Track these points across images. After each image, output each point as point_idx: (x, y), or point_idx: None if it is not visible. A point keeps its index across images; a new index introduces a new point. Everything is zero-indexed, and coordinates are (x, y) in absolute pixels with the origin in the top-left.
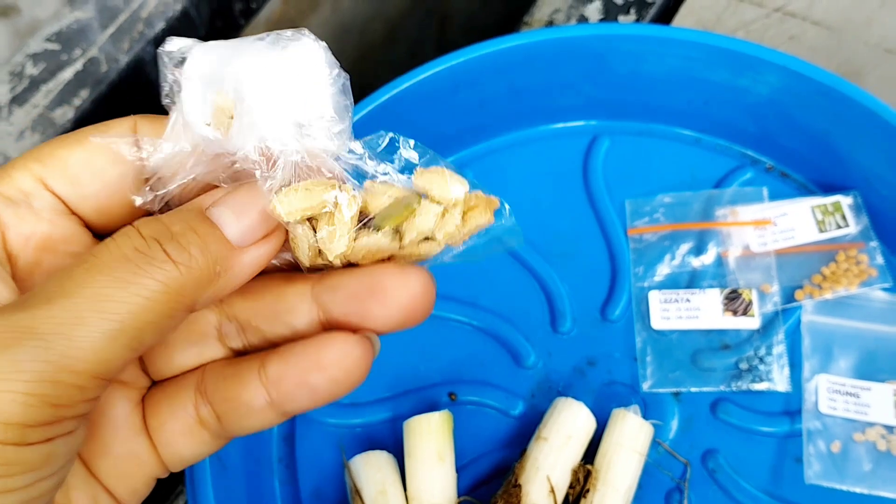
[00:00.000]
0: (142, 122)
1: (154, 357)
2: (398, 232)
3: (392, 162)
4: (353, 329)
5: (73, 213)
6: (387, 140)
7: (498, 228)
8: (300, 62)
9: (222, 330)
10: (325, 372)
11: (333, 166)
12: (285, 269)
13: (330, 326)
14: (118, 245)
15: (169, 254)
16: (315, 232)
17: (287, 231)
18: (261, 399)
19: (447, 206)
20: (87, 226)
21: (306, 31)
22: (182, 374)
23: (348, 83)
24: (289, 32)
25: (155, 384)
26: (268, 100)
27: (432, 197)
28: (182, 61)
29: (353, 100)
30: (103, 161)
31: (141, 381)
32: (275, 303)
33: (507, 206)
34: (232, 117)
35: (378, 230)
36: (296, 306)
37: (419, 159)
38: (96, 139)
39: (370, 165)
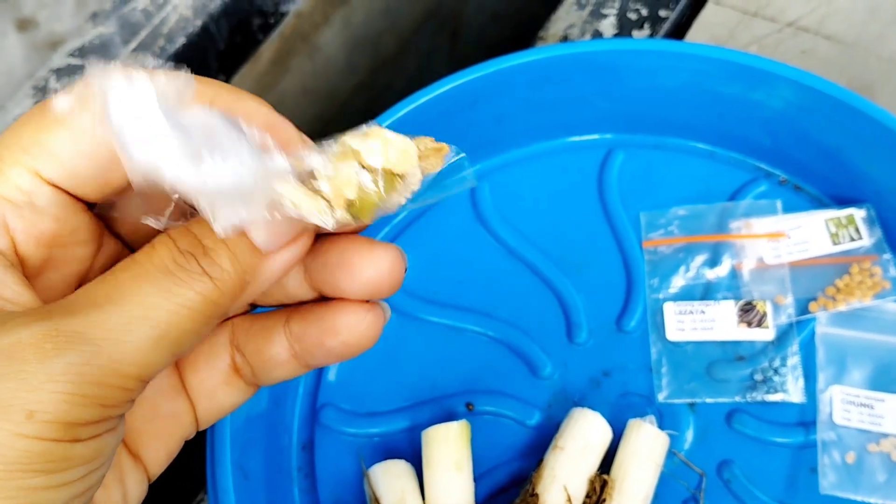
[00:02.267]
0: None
1: None
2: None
3: None
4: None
5: (75, 197)
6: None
7: (448, 174)
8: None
9: None
10: (339, 336)
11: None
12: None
13: (317, 292)
14: (159, 256)
15: (204, 269)
16: None
17: (311, 234)
18: (286, 352)
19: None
20: (90, 204)
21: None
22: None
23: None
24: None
25: None
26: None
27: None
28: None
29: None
30: (90, 142)
31: None
32: None
33: (461, 156)
34: None
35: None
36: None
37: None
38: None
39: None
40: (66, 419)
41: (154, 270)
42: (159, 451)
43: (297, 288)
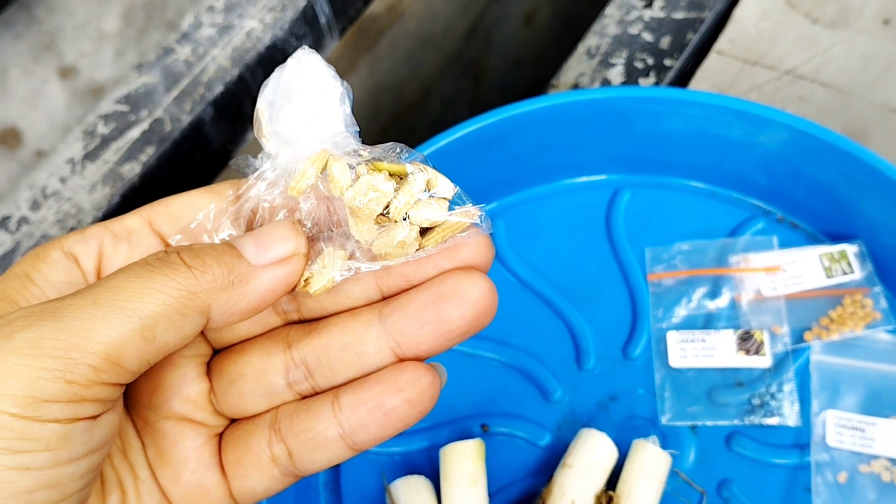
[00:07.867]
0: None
1: (227, 401)
2: (397, 183)
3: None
4: (419, 357)
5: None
6: (396, 151)
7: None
8: (309, 79)
9: (289, 378)
10: (402, 393)
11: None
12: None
13: (401, 351)
14: (144, 258)
15: (184, 259)
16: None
17: (303, 261)
18: (333, 430)
19: (433, 181)
20: None
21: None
22: (259, 414)
23: (346, 93)
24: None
25: (234, 422)
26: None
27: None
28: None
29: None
30: (203, 200)
31: (213, 420)
32: (342, 335)
33: (483, 216)
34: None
35: (376, 170)
36: (364, 335)
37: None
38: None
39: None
40: (27, 392)
41: (135, 265)
42: None
43: (376, 352)
